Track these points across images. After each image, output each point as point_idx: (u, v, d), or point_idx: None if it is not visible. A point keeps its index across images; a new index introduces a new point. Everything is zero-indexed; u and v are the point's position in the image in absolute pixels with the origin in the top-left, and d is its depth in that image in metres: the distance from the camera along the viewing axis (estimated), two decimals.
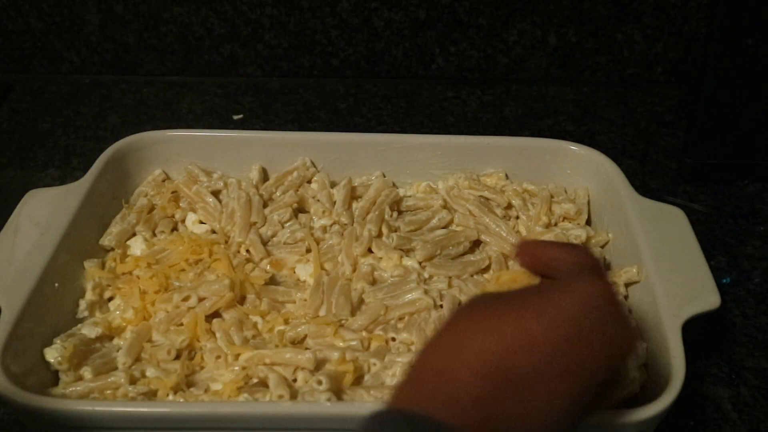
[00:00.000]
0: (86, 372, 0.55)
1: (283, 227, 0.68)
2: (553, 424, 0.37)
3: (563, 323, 0.38)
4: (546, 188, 0.72)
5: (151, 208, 0.70)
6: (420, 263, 0.64)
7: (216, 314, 0.60)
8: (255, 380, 0.55)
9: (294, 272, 0.65)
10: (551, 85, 1.01)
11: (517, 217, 0.70)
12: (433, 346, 0.39)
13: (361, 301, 0.61)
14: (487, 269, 0.65)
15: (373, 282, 0.63)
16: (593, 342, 0.38)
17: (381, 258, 0.65)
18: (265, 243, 0.67)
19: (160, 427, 0.50)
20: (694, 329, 0.55)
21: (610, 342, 0.39)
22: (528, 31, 0.97)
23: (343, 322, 0.59)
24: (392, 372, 0.55)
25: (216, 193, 0.71)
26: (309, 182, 0.73)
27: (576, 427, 0.39)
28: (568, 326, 0.38)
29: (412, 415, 0.35)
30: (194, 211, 0.70)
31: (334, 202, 0.70)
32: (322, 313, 0.60)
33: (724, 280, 0.71)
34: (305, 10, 0.96)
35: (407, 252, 0.65)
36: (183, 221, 0.69)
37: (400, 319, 0.59)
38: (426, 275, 0.63)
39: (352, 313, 0.59)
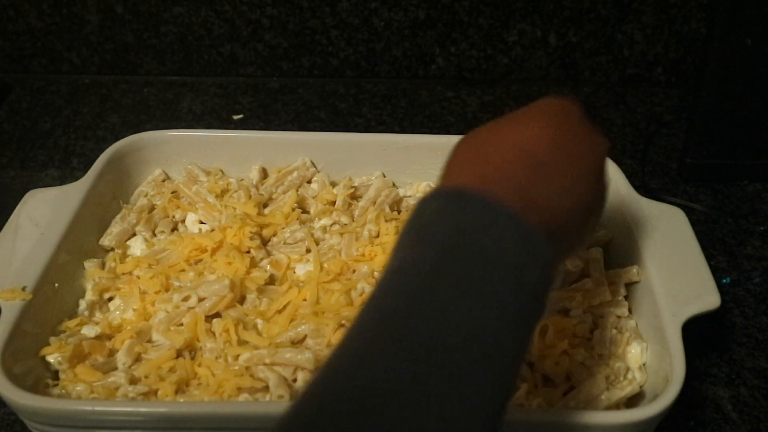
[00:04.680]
0: (86, 372, 0.55)
1: (282, 227, 0.68)
2: (576, 201, 0.41)
3: (555, 122, 0.42)
4: None
5: (151, 208, 0.70)
6: None
7: (216, 314, 0.60)
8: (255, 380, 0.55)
9: (294, 272, 0.65)
10: (551, 85, 1.01)
11: None
12: (465, 143, 0.42)
13: (362, 302, 0.61)
14: None
15: (374, 282, 0.63)
16: (581, 136, 0.43)
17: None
18: (265, 243, 0.67)
19: (160, 427, 0.50)
20: (694, 329, 0.55)
21: (591, 139, 0.44)
22: (528, 31, 0.97)
23: (343, 322, 0.59)
24: None
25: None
26: (309, 182, 0.73)
27: (587, 224, 0.43)
28: (559, 125, 0.42)
29: (470, 194, 0.37)
30: (194, 211, 0.70)
31: (334, 202, 0.70)
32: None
33: (724, 280, 0.71)
34: (305, 10, 0.96)
35: None
36: (183, 221, 0.69)
37: None
38: None
39: (352, 313, 0.59)
